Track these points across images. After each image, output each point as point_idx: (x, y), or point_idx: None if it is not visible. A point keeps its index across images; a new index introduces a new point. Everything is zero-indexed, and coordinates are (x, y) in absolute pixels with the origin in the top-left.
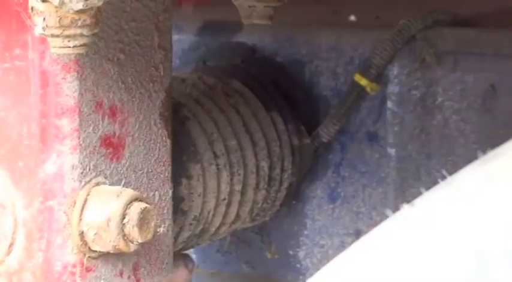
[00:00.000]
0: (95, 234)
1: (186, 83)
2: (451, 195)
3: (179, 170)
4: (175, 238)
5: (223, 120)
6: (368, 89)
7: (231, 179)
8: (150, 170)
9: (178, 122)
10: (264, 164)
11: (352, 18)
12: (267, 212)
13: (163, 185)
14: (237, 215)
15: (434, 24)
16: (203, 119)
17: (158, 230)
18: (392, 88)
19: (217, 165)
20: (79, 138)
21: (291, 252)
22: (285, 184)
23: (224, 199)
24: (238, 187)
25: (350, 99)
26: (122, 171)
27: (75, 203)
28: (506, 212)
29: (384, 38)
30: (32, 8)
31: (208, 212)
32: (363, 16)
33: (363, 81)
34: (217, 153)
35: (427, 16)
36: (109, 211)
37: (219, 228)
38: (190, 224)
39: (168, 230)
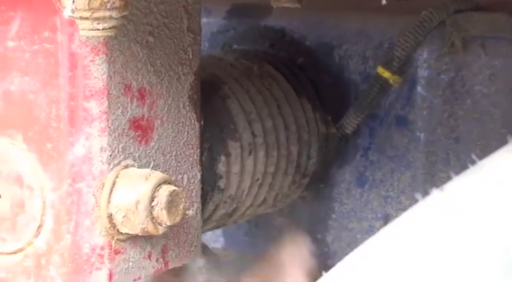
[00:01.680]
0: (124, 216)
1: (224, 62)
2: (481, 181)
3: (218, 148)
4: (210, 216)
5: (261, 100)
6: (391, 81)
7: (266, 161)
8: (178, 153)
9: (219, 99)
10: (294, 149)
11: (384, 1)
12: (287, 199)
13: (191, 168)
14: (264, 198)
15: (457, 14)
16: (242, 98)
17: (187, 212)
18: (422, 72)
19: (254, 144)
20: (108, 121)
21: (319, 236)
22: (309, 172)
23: (258, 180)
24: (271, 169)
25: (373, 91)
26: (150, 154)
27: (103, 185)
28: None
29: (406, 30)
30: None
31: (243, 192)
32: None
33: (386, 74)
34: (256, 133)
35: (449, 6)
36: (138, 194)
37: (247, 209)
38: (225, 202)
39: (196, 213)
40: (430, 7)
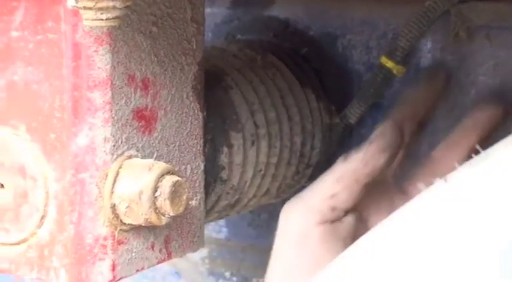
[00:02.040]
0: (127, 207)
1: (227, 53)
2: (486, 170)
3: (220, 139)
4: (213, 207)
5: (264, 91)
6: (394, 71)
7: (268, 151)
8: (182, 143)
9: (222, 90)
10: (297, 140)
11: None
12: (291, 189)
13: (195, 158)
14: (268, 189)
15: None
16: (245, 89)
17: (190, 203)
18: (426, 62)
19: (257, 135)
20: (111, 111)
21: None
22: (313, 162)
23: (260, 170)
24: (273, 160)
25: (377, 81)
26: (154, 144)
27: (107, 175)
28: None
29: (410, 20)
30: None
31: (245, 183)
32: None
33: (389, 64)
34: (258, 124)
35: None
36: (141, 184)
37: (250, 199)
38: (228, 193)
39: (199, 204)
40: None
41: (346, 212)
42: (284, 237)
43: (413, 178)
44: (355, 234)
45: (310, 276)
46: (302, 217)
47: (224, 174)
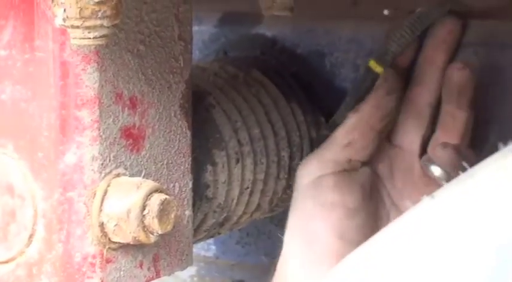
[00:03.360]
0: (115, 225)
1: (208, 72)
2: (471, 189)
3: (204, 157)
4: (199, 226)
5: (247, 108)
6: None
7: (254, 168)
8: (170, 161)
9: (204, 110)
10: (285, 154)
11: (386, 12)
12: (285, 203)
13: (183, 176)
14: (258, 205)
15: (451, 14)
16: (228, 107)
17: (178, 221)
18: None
19: (241, 153)
20: (99, 130)
21: None
22: None
23: (247, 188)
24: (260, 176)
25: (364, 86)
26: (142, 163)
27: (95, 194)
28: None
29: (401, 24)
30: None
31: (232, 200)
32: (383, 7)
33: (378, 69)
34: (242, 141)
35: (446, 4)
36: (129, 202)
37: (240, 217)
38: (215, 212)
39: (188, 222)
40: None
41: (363, 164)
42: (300, 189)
43: (401, 124)
44: (372, 184)
45: (327, 225)
46: (317, 168)
47: (209, 193)
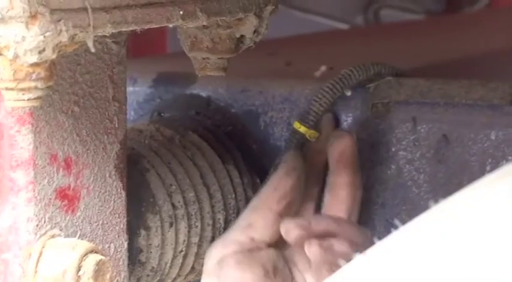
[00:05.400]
0: None
1: (144, 134)
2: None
3: (138, 221)
4: None
5: (182, 172)
6: (307, 136)
7: (189, 231)
8: (105, 222)
9: (138, 173)
10: (220, 217)
11: (317, 74)
12: None
13: (118, 236)
14: (192, 267)
15: (376, 76)
16: (162, 171)
17: (113, 281)
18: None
19: (175, 217)
20: (34, 191)
21: None
22: None
23: (181, 251)
24: (195, 239)
25: (290, 146)
26: (77, 223)
27: (30, 255)
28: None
29: (323, 86)
30: None
31: (166, 264)
32: (316, 67)
33: (302, 128)
34: (176, 205)
35: (369, 67)
36: (64, 263)
37: (174, 280)
38: (148, 275)
39: None
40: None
41: (268, 246)
42: (206, 272)
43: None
44: (277, 265)
45: None
46: (221, 249)
47: (142, 257)
